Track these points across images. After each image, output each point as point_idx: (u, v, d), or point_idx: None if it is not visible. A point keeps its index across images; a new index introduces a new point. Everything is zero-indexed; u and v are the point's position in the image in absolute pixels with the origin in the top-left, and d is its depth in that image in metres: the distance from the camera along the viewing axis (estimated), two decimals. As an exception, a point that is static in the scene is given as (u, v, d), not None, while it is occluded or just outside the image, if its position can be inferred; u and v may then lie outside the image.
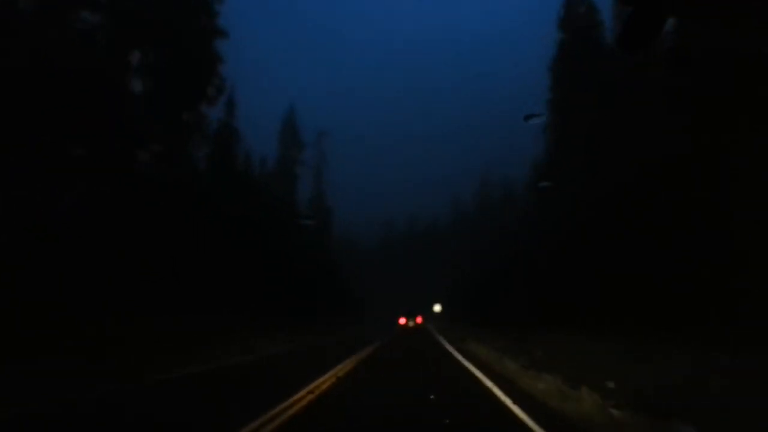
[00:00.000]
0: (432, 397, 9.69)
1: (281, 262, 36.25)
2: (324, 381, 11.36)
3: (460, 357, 18.23)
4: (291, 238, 41.00)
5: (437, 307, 66.62)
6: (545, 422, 6.97)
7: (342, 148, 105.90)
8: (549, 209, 28.77)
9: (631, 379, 8.16)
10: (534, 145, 32.69)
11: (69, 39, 17.82)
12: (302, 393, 9.59)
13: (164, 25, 22.25)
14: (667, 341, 13.10)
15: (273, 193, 45.86)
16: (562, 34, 29.12)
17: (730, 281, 12.99)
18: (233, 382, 12.41)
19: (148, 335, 18.19)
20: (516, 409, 8.05)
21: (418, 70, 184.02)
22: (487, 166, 71.46)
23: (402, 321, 45.01)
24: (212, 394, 10.53)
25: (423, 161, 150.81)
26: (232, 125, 34.62)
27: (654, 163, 17.03)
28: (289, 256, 38.53)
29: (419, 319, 45.94)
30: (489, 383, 11.15)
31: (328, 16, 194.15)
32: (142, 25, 21.27)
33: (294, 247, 40.66)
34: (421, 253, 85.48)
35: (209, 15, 25.05)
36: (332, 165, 76.97)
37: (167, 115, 23.18)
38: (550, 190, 27.02)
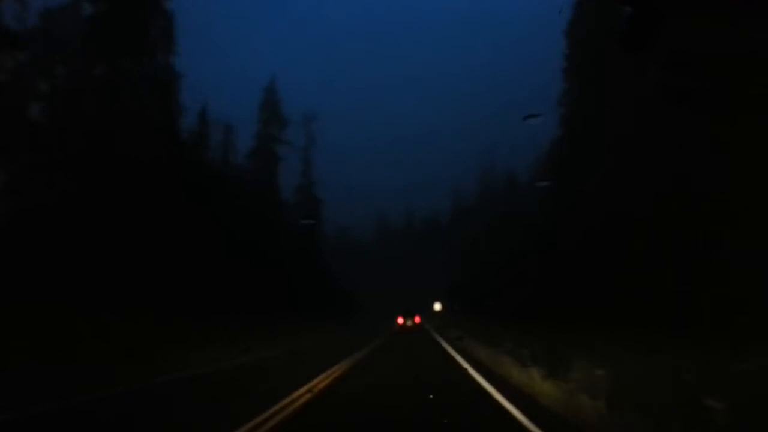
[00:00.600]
0: (431, 396, 9.66)
1: (270, 259, 34.90)
2: (321, 381, 11.38)
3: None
4: (276, 227, 39.01)
5: (437, 306, 62.42)
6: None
7: (340, 144, 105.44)
8: (552, 207, 28.47)
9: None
10: (539, 135, 31.16)
11: None
12: (301, 391, 9.64)
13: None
14: (666, 341, 13.08)
15: (243, 168, 42.70)
16: None
17: (731, 286, 12.98)
18: (233, 384, 12.38)
19: (148, 337, 18.18)
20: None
21: (417, 61, 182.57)
22: (489, 158, 65.06)
23: (400, 321, 44.99)
24: (211, 395, 10.57)
25: (422, 155, 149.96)
26: (173, 66, 26.98)
27: (655, 163, 17.03)
28: (279, 250, 37.06)
29: (417, 319, 45.82)
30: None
31: (328, 11, 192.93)
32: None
33: (280, 239, 38.94)
34: (421, 250, 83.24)
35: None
36: (326, 158, 72.80)
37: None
38: (549, 189, 26.68)
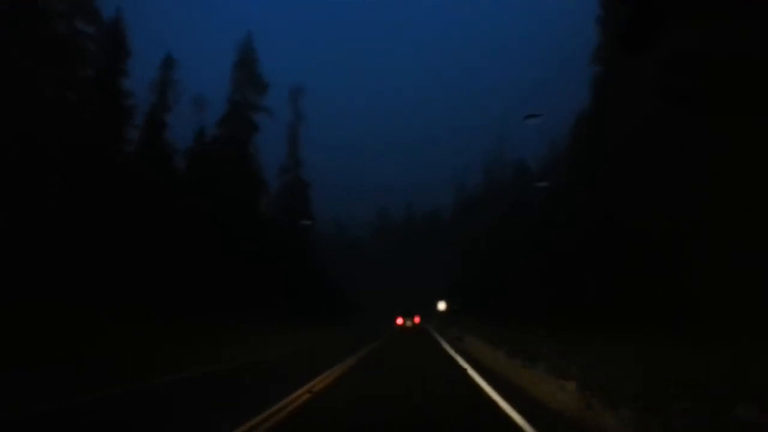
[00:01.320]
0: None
1: (267, 255, 34.35)
2: (320, 381, 11.39)
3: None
4: (261, 219, 37.67)
5: (441, 305, 58.23)
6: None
7: (339, 143, 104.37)
8: (552, 207, 28.38)
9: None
10: (544, 132, 30.79)
11: None
12: (301, 392, 9.67)
13: None
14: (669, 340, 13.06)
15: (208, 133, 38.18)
16: None
17: (731, 286, 12.99)
18: (233, 384, 12.39)
19: (148, 336, 18.18)
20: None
21: (418, 59, 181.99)
22: (497, 150, 60.45)
23: (399, 321, 44.68)
24: (211, 395, 10.57)
25: (422, 154, 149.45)
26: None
27: (656, 164, 17.05)
28: (270, 245, 36.26)
29: (417, 319, 45.51)
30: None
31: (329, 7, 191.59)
32: None
33: (267, 229, 37.83)
34: (421, 249, 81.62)
35: None
36: (325, 158, 69.12)
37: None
38: (555, 186, 26.51)
